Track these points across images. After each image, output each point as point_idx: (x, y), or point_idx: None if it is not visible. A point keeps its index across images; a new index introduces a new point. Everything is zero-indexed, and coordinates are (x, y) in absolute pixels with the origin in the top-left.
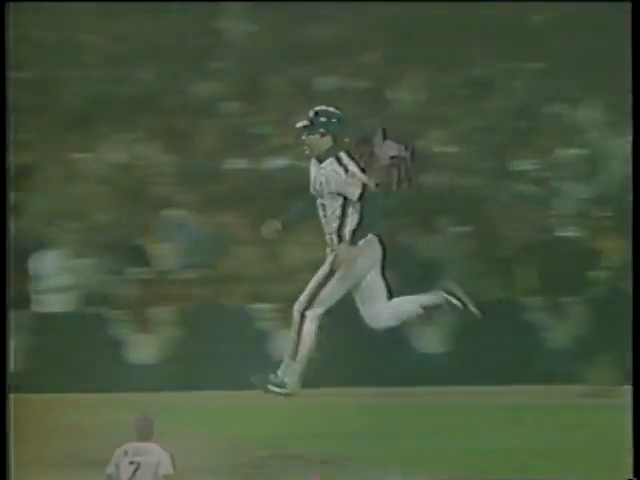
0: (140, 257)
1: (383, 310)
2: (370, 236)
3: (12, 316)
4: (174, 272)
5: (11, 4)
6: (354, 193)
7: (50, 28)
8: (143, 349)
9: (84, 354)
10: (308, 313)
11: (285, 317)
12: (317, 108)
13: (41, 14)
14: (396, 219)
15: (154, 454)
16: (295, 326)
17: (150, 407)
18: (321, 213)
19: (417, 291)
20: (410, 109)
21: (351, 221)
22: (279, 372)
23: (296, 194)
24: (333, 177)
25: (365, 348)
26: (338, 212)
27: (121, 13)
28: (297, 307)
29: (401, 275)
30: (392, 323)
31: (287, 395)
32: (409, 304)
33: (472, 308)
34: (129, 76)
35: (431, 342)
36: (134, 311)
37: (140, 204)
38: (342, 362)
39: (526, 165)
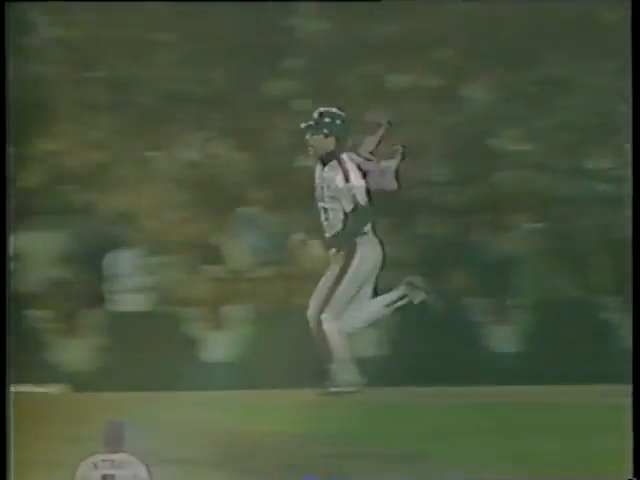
0: (214, 255)
1: (354, 313)
2: (371, 236)
3: (87, 315)
4: (247, 270)
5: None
6: (348, 206)
7: (124, 27)
8: (217, 347)
9: (159, 352)
10: (324, 316)
11: None
12: (322, 109)
13: (115, 14)
14: (469, 217)
15: (129, 466)
16: (316, 333)
17: (223, 404)
18: (323, 216)
19: (491, 289)
20: (484, 107)
21: (354, 224)
22: (334, 374)
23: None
24: (333, 182)
25: (437, 347)
26: (340, 215)
27: (194, 13)
28: (312, 314)
29: (475, 273)
30: (359, 325)
31: (349, 393)
32: (375, 305)
33: (427, 297)
34: (202, 75)
35: (503, 341)
36: (208, 309)
37: (214, 202)
38: (414, 361)
39: (601, 163)
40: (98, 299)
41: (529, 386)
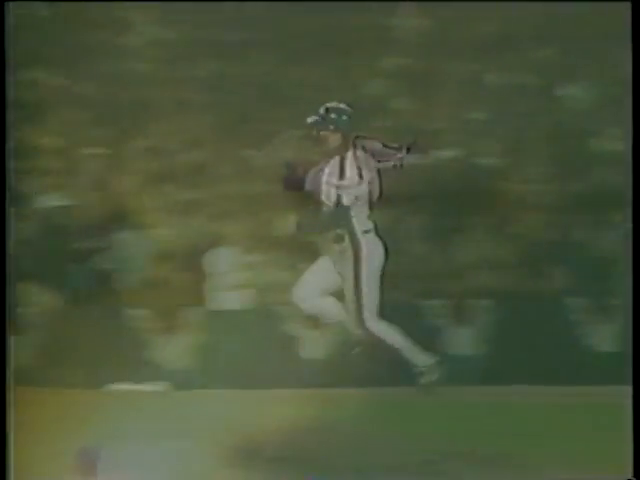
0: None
1: (318, 298)
2: (372, 236)
3: (187, 314)
4: None
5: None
6: (345, 201)
7: (219, 27)
8: (315, 345)
9: (259, 350)
10: (367, 318)
11: (455, 313)
12: (328, 104)
13: (211, 13)
14: (569, 215)
15: None
16: (372, 339)
17: (320, 402)
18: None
19: (591, 288)
20: (582, 106)
21: (357, 221)
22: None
23: (468, 188)
24: (330, 178)
25: (534, 346)
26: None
27: (292, 12)
28: (354, 325)
29: (575, 272)
30: (310, 310)
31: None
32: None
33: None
34: (300, 74)
35: (603, 340)
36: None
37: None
38: (514, 360)
39: None
40: (198, 297)
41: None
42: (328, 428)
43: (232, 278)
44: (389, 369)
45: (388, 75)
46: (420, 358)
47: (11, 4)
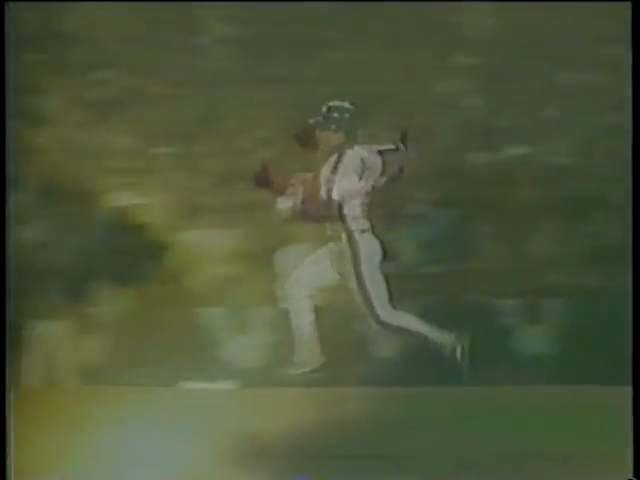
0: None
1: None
2: (368, 235)
3: (258, 312)
4: (418, 267)
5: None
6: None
7: (293, 25)
8: (387, 345)
9: (336, 348)
10: (380, 315)
11: (529, 313)
12: (330, 103)
13: (285, 12)
14: None
15: None
16: (399, 334)
17: (392, 401)
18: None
19: None
20: None
21: (354, 220)
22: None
23: (538, 186)
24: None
25: (608, 346)
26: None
27: (364, 11)
28: (371, 326)
29: None
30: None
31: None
32: (420, 326)
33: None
34: (371, 73)
35: None
36: None
37: (384, 200)
38: (587, 359)
39: None
40: (269, 296)
41: None
42: (403, 427)
43: None
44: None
45: (459, 73)
46: (444, 337)
47: (11, 4)
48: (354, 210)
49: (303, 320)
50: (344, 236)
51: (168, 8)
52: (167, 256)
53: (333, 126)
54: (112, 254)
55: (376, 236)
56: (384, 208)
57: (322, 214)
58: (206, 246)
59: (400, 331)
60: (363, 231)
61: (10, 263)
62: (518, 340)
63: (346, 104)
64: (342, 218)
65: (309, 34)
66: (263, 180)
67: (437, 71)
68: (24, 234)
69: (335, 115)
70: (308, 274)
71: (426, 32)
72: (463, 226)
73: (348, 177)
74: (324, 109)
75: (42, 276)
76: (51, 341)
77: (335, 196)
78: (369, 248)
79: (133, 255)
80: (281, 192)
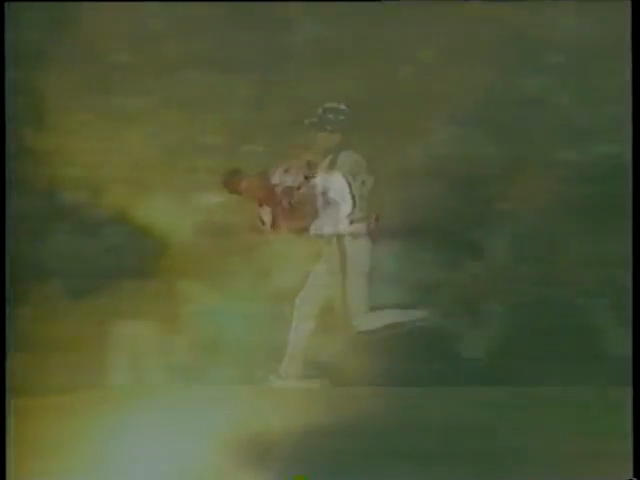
0: (474, 251)
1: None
2: (361, 241)
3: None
4: (507, 267)
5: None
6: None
7: (384, 25)
8: (474, 343)
9: (417, 348)
10: (356, 325)
11: (615, 312)
12: (326, 105)
13: (375, 14)
14: None
15: None
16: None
17: (474, 401)
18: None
19: None
20: None
21: (345, 223)
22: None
23: (623, 182)
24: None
25: None
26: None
27: (451, 11)
28: (349, 329)
29: None
30: (373, 327)
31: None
32: (396, 315)
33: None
34: (464, 73)
35: None
36: (467, 306)
37: (471, 198)
38: None
39: None
40: None
41: None
42: (484, 427)
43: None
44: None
45: (547, 72)
46: (415, 314)
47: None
48: (343, 213)
49: (300, 338)
50: (335, 240)
51: (257, 7)
52: (255, 255)
53: (328, 127)
54: (200, 252)
55: (368, 237)
56: (471, 204)
57: (298, 225)
58: (292, 245)
59: (380, 331)
60: (355, 237)
61: (99, 263)
62: (607, 340)
63: (342, 106)
64: (334, 222)
65: (401, 34)
66: (231, 184)
67: (525, 69)
68: (111, 238)
69: (330, 117)
70: (311, 293)
71: (514, 30)
72: (551, 225)
73: (342, 183)
74: (320, 111)
75: (129, 276)
76: (138, 341)
77: (332, 195)
78: (356, 254)
79: (221, 253)
80: (252, 196)
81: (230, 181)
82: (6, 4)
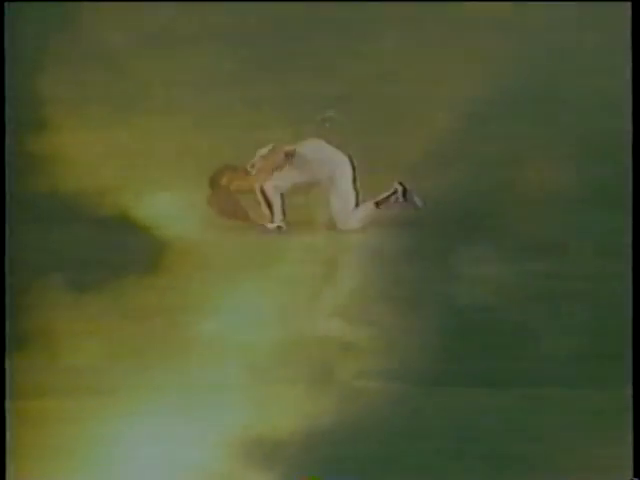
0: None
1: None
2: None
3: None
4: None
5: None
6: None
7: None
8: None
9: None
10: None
11: None
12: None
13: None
14: None
15: None
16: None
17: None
18: None
19: None
20: None
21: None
22: None
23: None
24: None
25: None
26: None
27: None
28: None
29: None
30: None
31: None
32: (369, 205)
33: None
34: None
35: None
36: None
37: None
38: None
39: None
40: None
41: None
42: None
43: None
44: None
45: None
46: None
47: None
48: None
49: None
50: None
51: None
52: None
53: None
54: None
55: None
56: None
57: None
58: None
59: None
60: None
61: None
62: None
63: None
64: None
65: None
66: (213, 180)
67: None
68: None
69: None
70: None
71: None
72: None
73: (346, 187)
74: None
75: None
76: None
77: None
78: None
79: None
80: (236, 190)
81: (214, 177)
82: (6, 4)
